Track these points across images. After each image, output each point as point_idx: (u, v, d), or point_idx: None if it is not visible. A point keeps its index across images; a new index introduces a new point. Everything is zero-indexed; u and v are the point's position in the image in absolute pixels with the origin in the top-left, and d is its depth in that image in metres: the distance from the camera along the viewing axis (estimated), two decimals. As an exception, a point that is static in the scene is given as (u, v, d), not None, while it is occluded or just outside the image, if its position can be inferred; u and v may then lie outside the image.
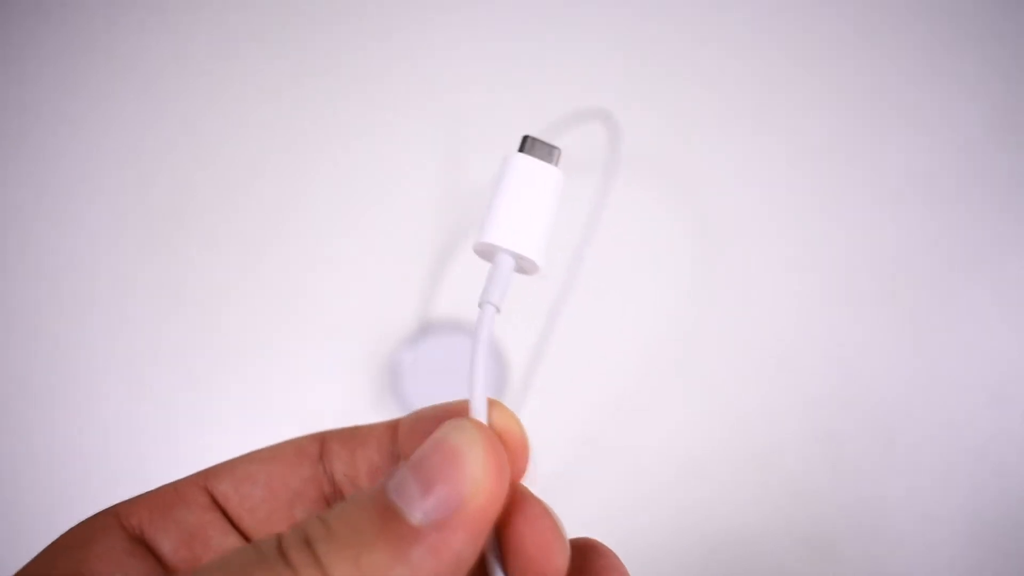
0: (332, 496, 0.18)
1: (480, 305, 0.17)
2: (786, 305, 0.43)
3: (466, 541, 0.13)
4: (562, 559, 0.15)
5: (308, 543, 0.13)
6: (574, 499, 0.40)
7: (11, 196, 0.45)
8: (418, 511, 0.13)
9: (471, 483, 0.14)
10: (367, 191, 0.46)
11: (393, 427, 0.19)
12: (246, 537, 0.19)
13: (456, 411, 0.17)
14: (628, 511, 0.40)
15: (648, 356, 0.42)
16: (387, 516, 0.13)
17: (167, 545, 0.18)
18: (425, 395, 0.41)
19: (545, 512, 0.16)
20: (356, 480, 0.18)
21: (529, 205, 0.17)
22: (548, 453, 0.40)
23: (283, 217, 0.45)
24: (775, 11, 0.48)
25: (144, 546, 0.18)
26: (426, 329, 0.42)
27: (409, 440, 0.19)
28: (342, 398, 0.42)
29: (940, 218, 0.44)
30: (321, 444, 0.19)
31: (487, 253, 0.18)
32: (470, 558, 0.14)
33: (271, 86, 0.48)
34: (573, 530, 0.16)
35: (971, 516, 0.39)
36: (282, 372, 0.43)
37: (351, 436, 0.19)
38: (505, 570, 0.15)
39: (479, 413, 0.15)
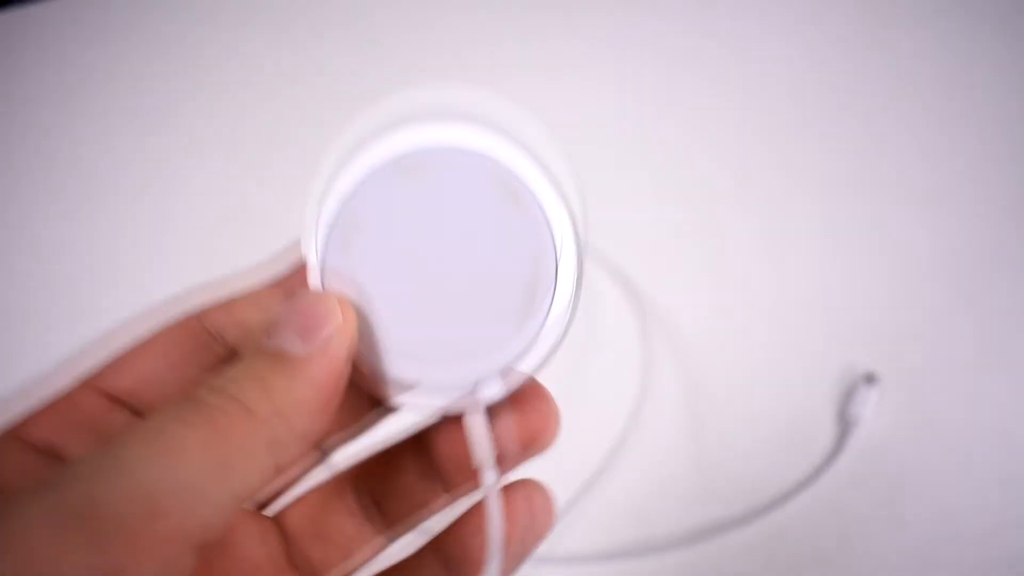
0: (226, 357, 0.21)
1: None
2: (794, 348, 0.41)
3: (342, 359, 0.18)
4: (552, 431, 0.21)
5: (220, 388, 0.17)
6: (574, 515, 0.38)
7: (12, 201, 0.45)
8: (302, 349, 0.18)
9: (336, 325, 0.18)
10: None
11: (277, 289, 0.21)
12: None
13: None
14: (627, 532, 0.38)
15: (658, 379, 0.40)
16: (279, 356, 0.17)
17: (81, 451, 0.19)
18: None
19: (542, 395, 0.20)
20: (252, 336, 0.21)
21: None
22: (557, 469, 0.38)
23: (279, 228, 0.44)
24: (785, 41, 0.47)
25: (53, 456, 0.19)
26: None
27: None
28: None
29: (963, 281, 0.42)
30: (200, 317, 0.21)
31: None
32: (345, 372, 0.18)
33: (270, 92, 0.47)
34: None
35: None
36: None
37: (232, 306, 0.21)
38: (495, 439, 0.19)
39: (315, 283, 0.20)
